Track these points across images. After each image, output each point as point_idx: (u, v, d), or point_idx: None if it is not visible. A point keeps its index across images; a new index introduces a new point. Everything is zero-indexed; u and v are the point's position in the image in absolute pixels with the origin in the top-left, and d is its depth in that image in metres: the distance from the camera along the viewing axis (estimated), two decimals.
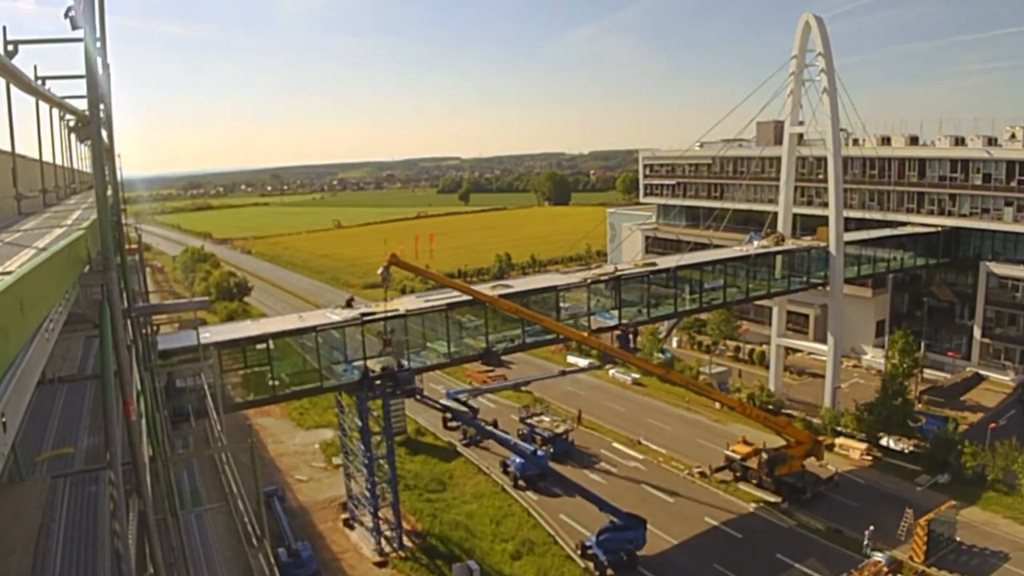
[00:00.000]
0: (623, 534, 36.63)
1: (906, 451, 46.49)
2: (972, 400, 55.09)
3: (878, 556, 35.55)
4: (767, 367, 61.26)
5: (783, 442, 44.64)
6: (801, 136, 57.28)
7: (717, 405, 57.26)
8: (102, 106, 6.76)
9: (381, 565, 37.86)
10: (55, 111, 11.58)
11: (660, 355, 65.32)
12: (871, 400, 49.41)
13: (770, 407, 54.32)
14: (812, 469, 44.56)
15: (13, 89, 7.85)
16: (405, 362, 38.12)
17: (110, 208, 6.79)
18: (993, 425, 46.21)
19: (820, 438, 46.66)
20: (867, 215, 63.96)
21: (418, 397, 38.80)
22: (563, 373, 62.29)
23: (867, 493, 42.93)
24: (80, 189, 17.53)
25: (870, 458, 47.13)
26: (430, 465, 49.58)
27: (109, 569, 5.81)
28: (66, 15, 6.36)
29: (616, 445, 51.64)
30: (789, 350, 60.89)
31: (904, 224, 62.24)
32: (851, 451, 47.64)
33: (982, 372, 59.03)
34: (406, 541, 39.31)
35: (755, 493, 43.33)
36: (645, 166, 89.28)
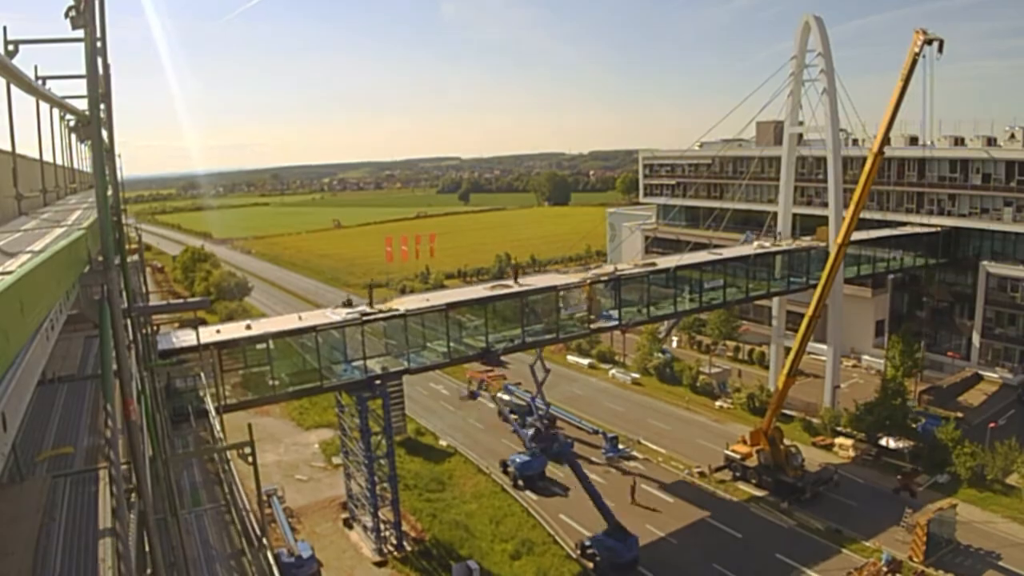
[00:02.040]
0: (609, 541, 36.65)
1: (905, 451, 46.49)
2: (971, 400, 55.09)
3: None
4: (767, 367, 61.30)
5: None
6: (801, 136, 57.31)
7: (717, 405, 57.52)
8: (102, 106, 6.76)
9: (381, 565, 37.88)
10: (55, 111, 11.59)
11: (660, 355, 65.32)
12: (871, 400, 49.45)
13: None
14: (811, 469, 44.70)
15: (13, 89, 7.85)
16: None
17: (110, 208, 6.79)
18: (993, 425, 46.23)
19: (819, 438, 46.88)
20: (867, 215, 63.85)
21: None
22: None
23: (867, 493, 42.93)
24: (80, 189, 17.54)
25: (858, 453, 47.43)
26: (429, 465, 49.61)
27: (109, 569, 5.82)
28: (66, 15, 6.35)
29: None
30: (789, 350, 60.78)
31: (904, 224, 62.27)
32: (849, 449, 47.76)
33: (982, 372, 59.03)
34: (405, 541, 39.35)
35: (755, 493, 43.36)
36: (645, 166, 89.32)
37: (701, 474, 46.02)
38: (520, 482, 45.58)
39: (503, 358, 59.10)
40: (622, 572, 36.30)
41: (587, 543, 37.55)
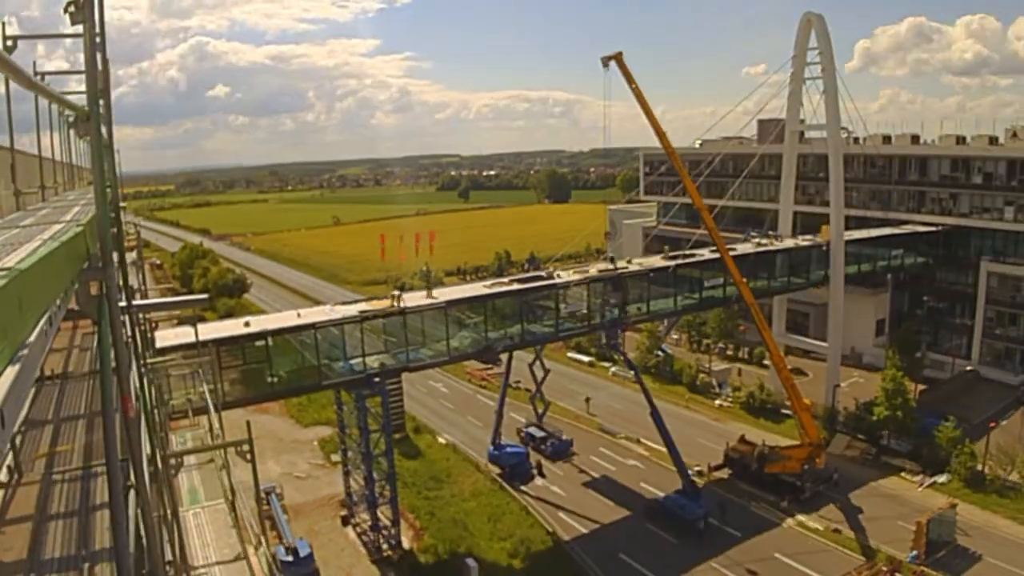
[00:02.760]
0: (682, 500, 40.96)
1: (905, 450, 46.51)
2: (972, 400, 55.03)
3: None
4: (766, 367, 61.20)
5: (784, 441, 44.90)
6: (802, 134, 57.22)
7: (716, 403, 57.53)
8: (101, 102, 6.70)
9: (379, 562, 37.89)
10: (54, 107, 11.53)
11: (659, 353, 65.23)
12: (871, 399, 49.40)
13: (769, 406, 54.51)
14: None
15: (12, 84, 7.80)
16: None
17: (109, 204, 6.74)
18: (993, 425, 46.21)
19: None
20: (868, 214, 63.93)
21: None
22: None
23: (866, 493, 42.92)
24: (79, 185, 17.49)
25: (858, 452, 47.52)
26: (428, 463, 49.61)
27: (107, 566, 5.78)
28: (65, 10, 6.30)
29: (616, 443, 51.67)
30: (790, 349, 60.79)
31: (905, 223, 62.21)
32: (850, 448, 47.80)
33: (982, 372, 59.01)
34: (404, 538, 39.35)
35: (754, 492, 43.31)
36: (646, 163, 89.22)
37: (699, 473, 46.00)
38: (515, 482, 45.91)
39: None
40: (690, 529, 39.36)
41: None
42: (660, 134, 45.19)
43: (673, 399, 59.13)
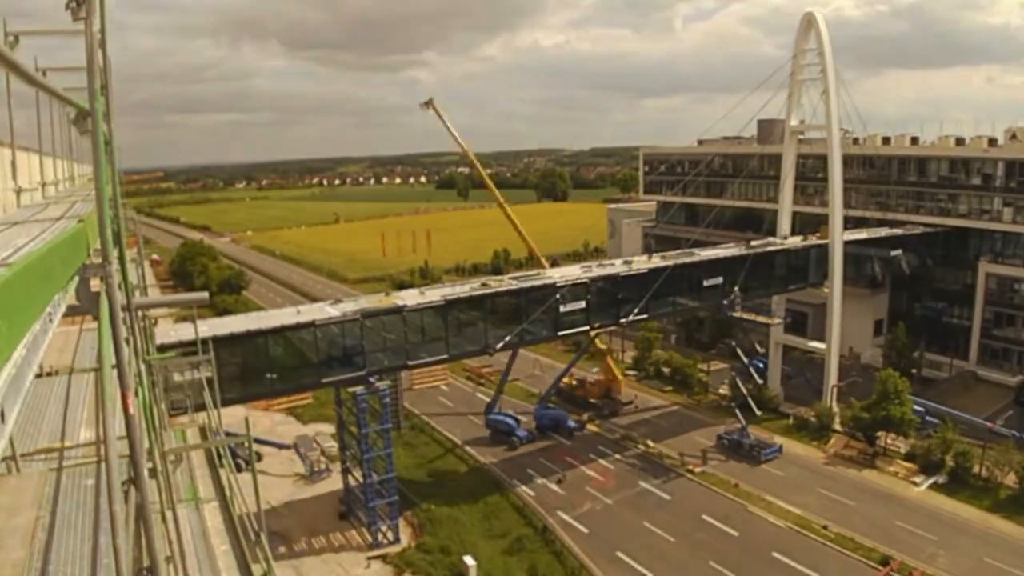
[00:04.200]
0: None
1: (903, 451, 46.57)
2: (970, 400, 55.03)
3: None
4: None
5: None
6: (802, 134, 57.19)
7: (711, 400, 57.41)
8: (102, 99, 6.73)
9: (376, 559, 37.98)
10: (55, 103, 11.56)
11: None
12: (869, 400, 49.39)
13: (770, 405, 54.60)
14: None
15: (13, 81, 7.81)
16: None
17: (109, 201, 6.76)
18: (991, 425, 46.26)
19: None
20: (867, 214, 63.94)
21: None
22: None
23: (863, 492, 43.01)
24: (80, 181, 17.52)
25: (855, 452, 47.54)
26: (426, 460, 49.70)
27: (106, 562, 5.81)
28: (67, 6, 6.31)
29: (610, 439, 51.81)
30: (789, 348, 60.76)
31: (904, 223, 62.20)
32: (847, 449, 47.86)
33: (980, 372, 59.05)
34: (402, 536, 39.44)
35: (745, 489, 43.42)
36: (646, 163, 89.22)
37: (688, 471, 46.18)
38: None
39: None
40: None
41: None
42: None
43: (670, 396, 59.35)
